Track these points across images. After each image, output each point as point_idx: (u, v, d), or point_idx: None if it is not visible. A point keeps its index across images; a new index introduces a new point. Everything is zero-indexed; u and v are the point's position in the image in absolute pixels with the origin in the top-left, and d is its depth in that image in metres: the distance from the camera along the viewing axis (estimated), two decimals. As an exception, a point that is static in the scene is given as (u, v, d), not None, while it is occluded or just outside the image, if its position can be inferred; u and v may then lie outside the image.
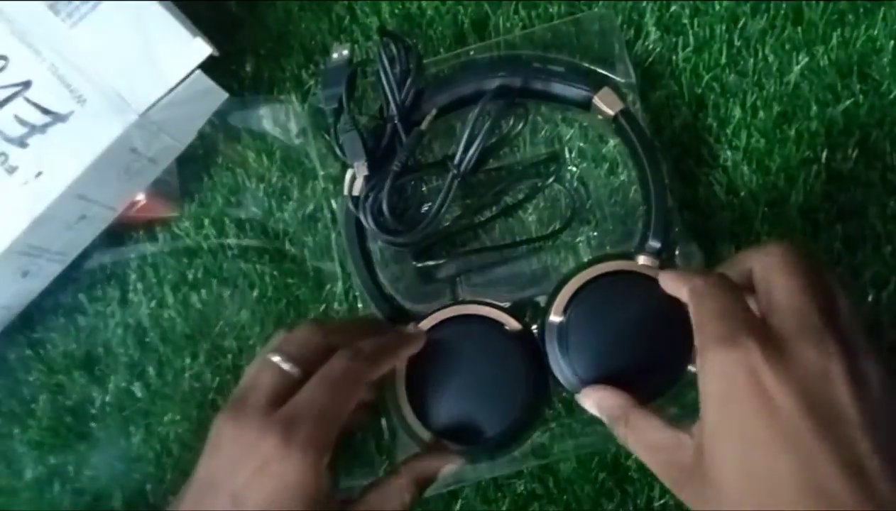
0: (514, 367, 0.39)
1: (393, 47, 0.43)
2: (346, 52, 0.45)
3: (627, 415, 0.36)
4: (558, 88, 0.45)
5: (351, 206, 0.44)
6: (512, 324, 0.40)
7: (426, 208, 0.44)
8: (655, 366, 0.38)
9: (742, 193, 0.47)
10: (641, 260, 0.41)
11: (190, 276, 0.49)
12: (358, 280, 0.45)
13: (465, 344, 0.40)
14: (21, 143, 0.42)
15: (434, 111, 0.45)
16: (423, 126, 0.44)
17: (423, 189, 0.47)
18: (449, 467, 0.39)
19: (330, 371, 0.36)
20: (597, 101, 0.45)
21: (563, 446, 0.44)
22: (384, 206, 0.43)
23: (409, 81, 0.44)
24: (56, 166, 0.42)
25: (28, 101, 0.42)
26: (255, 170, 0.50)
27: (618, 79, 0.47)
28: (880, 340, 0.45)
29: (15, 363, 0.49)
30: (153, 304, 0.49)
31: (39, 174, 0.42)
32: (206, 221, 0.50)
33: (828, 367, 0.29)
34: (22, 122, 0.42)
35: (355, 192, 0.44)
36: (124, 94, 0.42)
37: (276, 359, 0.37)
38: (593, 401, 0.38)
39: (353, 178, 0.44)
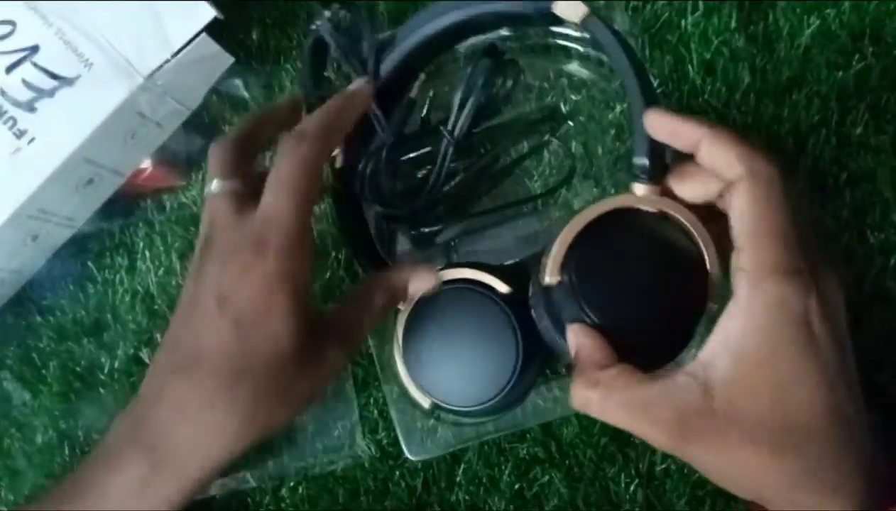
0: (503, 331, 0.38)
1: (338, 14, 0.42)
2: (320, 23, 0.43)
3: (600, 376, 0.31)
4: (511, 6, 0.40)
5: (332, 179, 0.43)
6: (500, 286, 0.39)
7: (422, 174, 0.43)
8: (672, 316, 0.33)
9: (750, 159, 0.47)
10: (637, 190, 0.34)
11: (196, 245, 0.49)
12: (352, 251, 0.44)
13: (454, 309, 0.39)
14: (29, 107, 0.42)
15: (423, 76, 0.43)
16: (413, 93, 0.43)
17: (414, 154, 0.45)
18: (422, 284, 0.38)
19: (279, 174, 0.35)
20: (557, 9, 0.39)
21: (564, 407, 0.44)
22: (382, 181, 0.42)
23: (364, 46, 0.42)
24: (64, 130, 0.42)
25: (36, 65, 0.43)
26: (261, 138, 0.50)
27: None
28: (889, 310, 0.45)
29: (25, 330, 0.50)
30: (161, 271, 0.49)
31: (48, 138, 0.42)
32: (213, 189, 0.50)
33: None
34: (30, 87, 0.43)
35: (338, 164, 0.43)
36: (130, 58, 0.42)
37: (212, 188, 0.36)
38: (574, 344, 0.33)
39: (337, 153, 0.43)
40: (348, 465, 0.46)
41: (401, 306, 0.40)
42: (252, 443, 0.34)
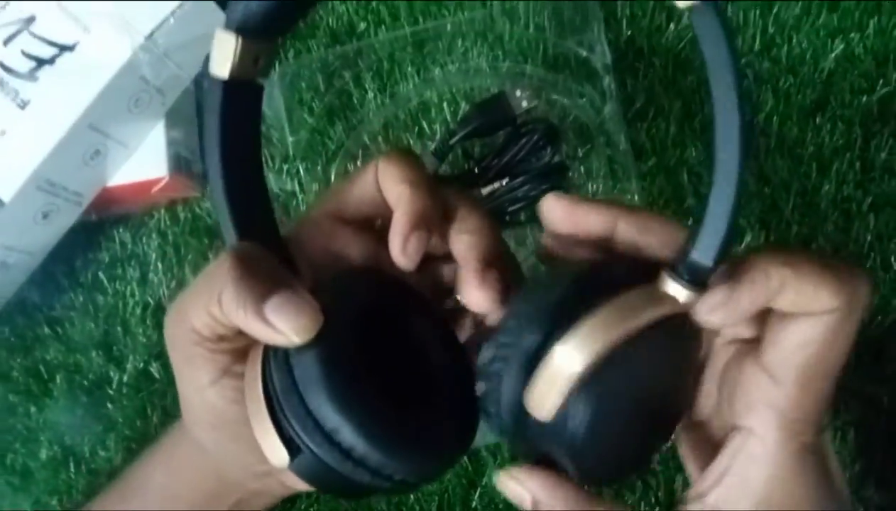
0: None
1: None
2: None
3: None
4: None
5: None
6: None
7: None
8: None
9: (773, 182, 0.46)
10: (669, 288, 0.24)
11: (211, 257, 0.49)
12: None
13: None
14: (31, 76, 0.43)
15: None
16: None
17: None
18: None
19: None
20: None
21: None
22: None
23: None
24: (67, 96, 0.42)
25: (33, 35, 0.43)
26: (279, 149, 0.50)
27: (595, 59, 0.47)
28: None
29: (33, 341, 0.49)
30: (173, 284, 0.49)
31: (52, 104, 0.42)
32: (228, 202, 0.49)
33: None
34: (29, 57, 0.43)
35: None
36: (128, 18, 0.43)
37: None
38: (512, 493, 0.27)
39: None
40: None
41: None
42: None
